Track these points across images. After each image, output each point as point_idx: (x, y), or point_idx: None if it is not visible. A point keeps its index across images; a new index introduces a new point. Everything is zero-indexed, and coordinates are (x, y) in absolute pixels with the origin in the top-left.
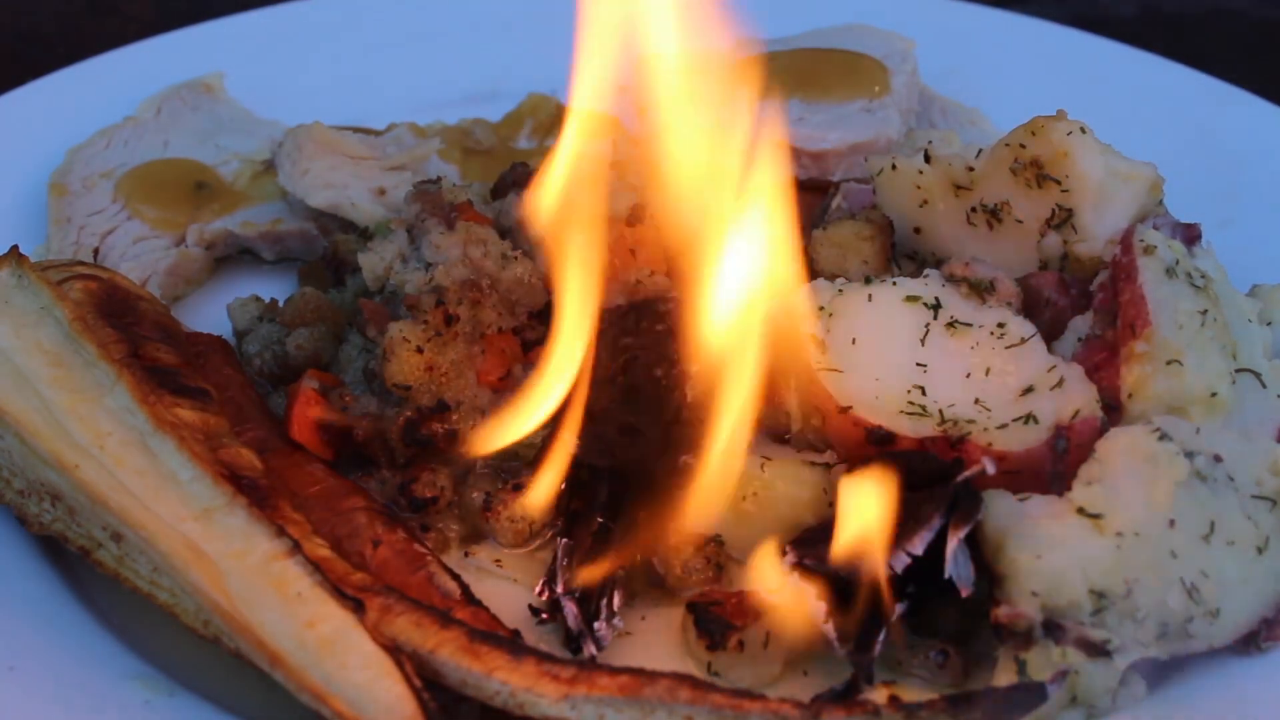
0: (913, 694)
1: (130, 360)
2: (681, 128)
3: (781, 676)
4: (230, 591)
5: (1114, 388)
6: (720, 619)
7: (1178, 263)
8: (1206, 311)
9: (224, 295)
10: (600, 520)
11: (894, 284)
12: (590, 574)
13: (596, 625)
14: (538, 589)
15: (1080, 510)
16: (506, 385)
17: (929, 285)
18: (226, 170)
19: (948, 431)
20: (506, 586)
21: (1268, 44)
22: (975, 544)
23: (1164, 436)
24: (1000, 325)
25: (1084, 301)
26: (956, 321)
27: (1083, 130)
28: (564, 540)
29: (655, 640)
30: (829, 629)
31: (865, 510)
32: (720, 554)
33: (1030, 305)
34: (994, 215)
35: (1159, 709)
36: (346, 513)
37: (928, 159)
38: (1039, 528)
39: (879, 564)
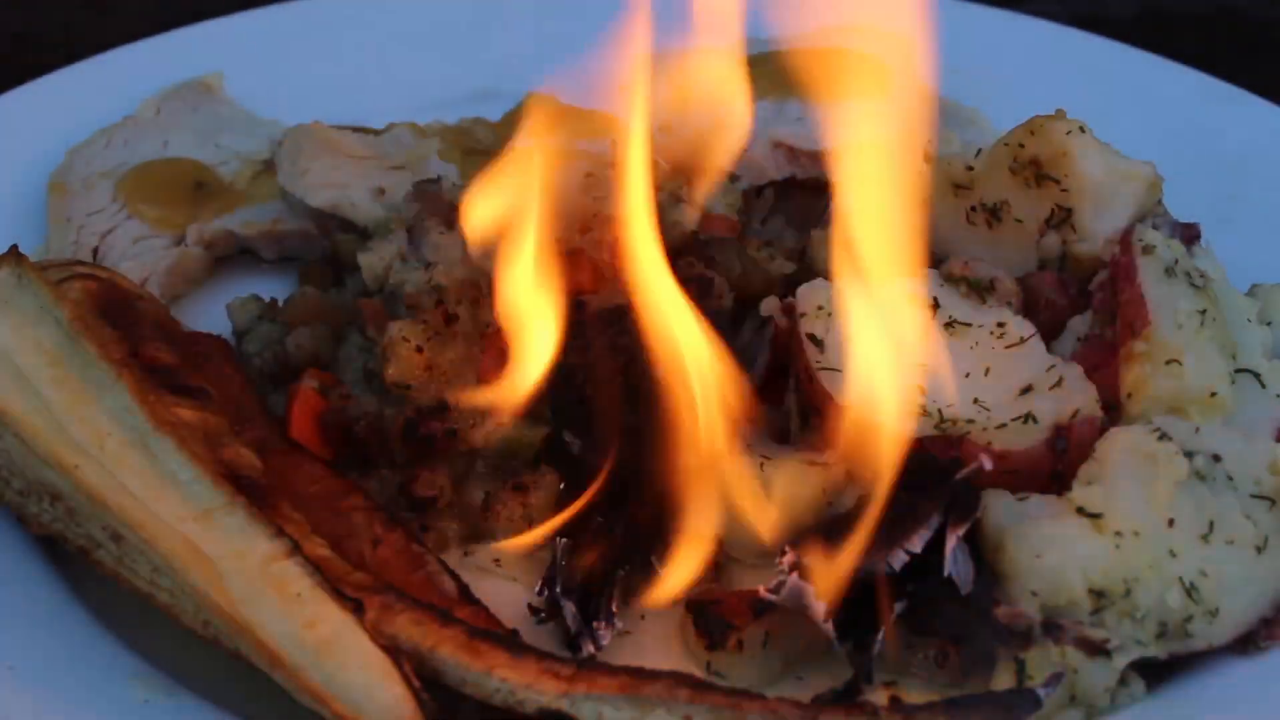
0: (913, 694)
1: (130, 360)
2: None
3: (781, 677)
4: (230, 592)
5: (1113, 388)
6: (720, 619)
7: (1177, 262)
8: (1205, 311)
9: (224, 295)
10: (600, 520)
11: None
12: (590, 574)
13: (596, 625)
14: (537, 589)
15: (1080, 510)
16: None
17: (928, 285)
18: (226, 170)
19: (947, 431)
20: (506, 586)
21: (1268, 44)
22: (974, 543)
23: (1163, 436)
24: (1000, 325)
25: (1083, 301)
26: (956, 321)
27: (1082, 129)
28: (564, 540)
29: (655, 640)
30: (829, 629)
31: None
32: (720, 554)
33: (1029, 305)
34: (993, 215)
35: (1159, 709)
36: (346, 512)
37: (927, 159)
38: (1039, 527)
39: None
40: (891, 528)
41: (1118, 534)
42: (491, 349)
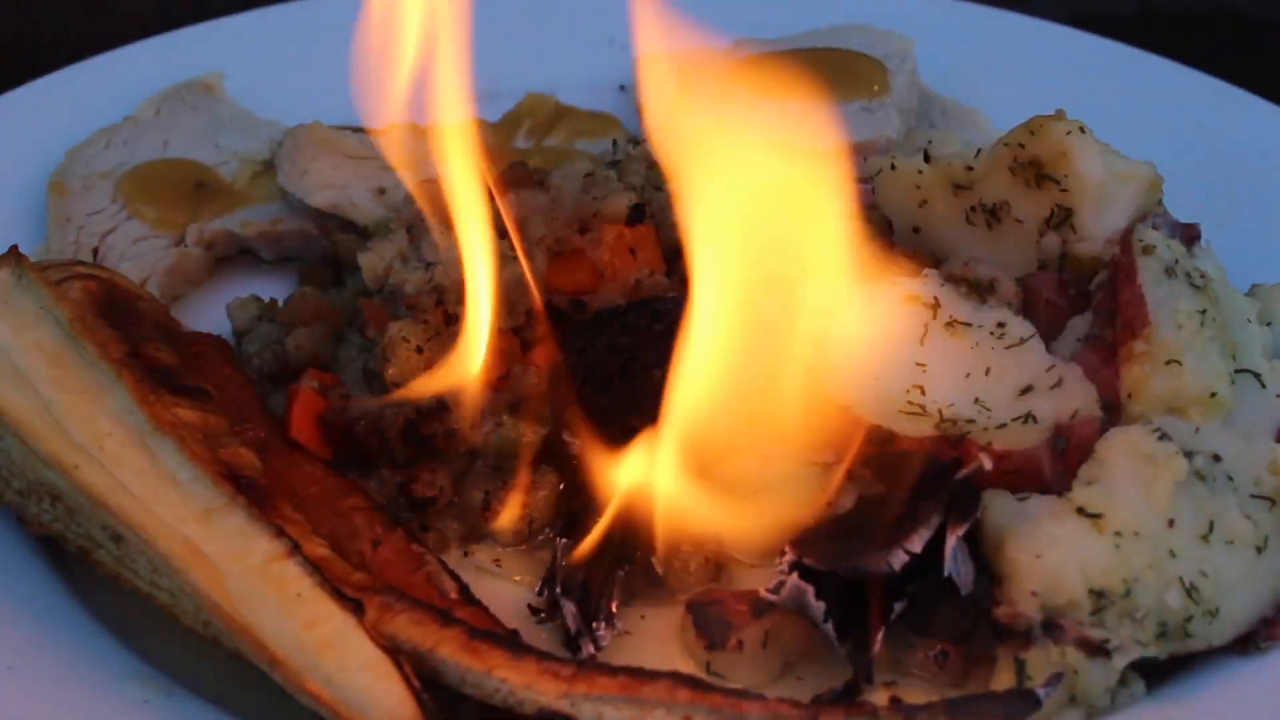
0: (913, 694)
1: (130, 360)
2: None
3: (781, 677)
4: (230, 592)
5: (1113, 388)
6: (720, 619)
7: (1177, 262)
8: (1205, 311)
9: (224, 295)
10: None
11: (894, 284)
12: (589, 572)
13: (595, 625)
14: (537, 589)
15: (1080, 510)
16: (506, 385)
17: (928, 285)
18: (226, 170)
19: (947, 431)
20: (506, 586)
21: (1268, 44)
22: (974, 543)
23: (1163, 436)
24: (1000, 325)
25: (1083, 301)
26: (956, 321)
27: (1082, 130)
28: (564, 540)
29: (655, 640)
30: (829, 629)
31: None
32: (720, 554)
33: (1029, 305)
34: (993, 215)
35: (1159, 709)
36: (346, 512)
37: (927, 159)
38: (1039, 527)
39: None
40: (892, 528)
41: (1118, 534)
42: (491, 349)
